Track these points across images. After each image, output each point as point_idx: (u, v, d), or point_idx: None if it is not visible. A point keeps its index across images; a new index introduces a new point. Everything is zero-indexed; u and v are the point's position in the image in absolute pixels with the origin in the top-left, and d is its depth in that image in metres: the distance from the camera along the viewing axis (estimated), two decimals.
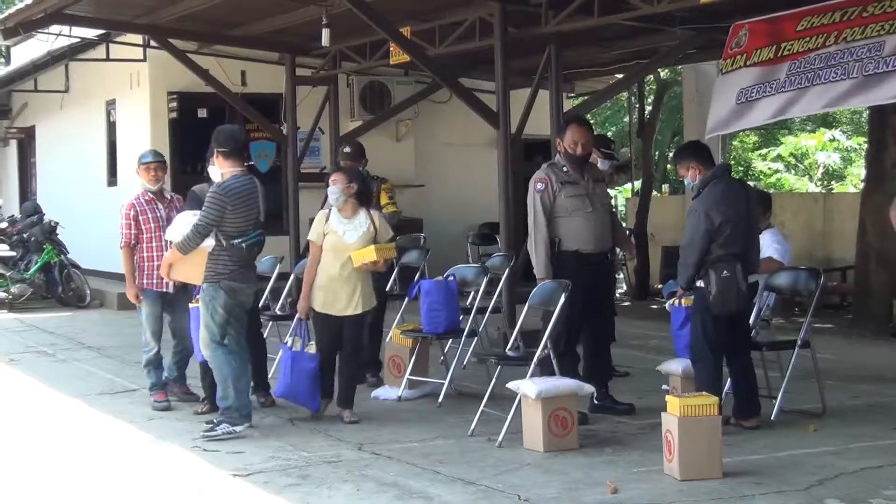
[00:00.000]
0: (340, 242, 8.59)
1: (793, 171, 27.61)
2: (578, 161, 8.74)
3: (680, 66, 19.00)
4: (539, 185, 8.62)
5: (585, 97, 19.11)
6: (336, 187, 8.67)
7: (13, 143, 25.85)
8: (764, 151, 28.56)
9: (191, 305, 8.87)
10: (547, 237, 8.53)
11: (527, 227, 8.68)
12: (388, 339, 10.03)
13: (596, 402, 8.67)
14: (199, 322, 8.39)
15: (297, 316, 8.96)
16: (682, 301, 8.74)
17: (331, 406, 8.78)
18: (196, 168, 15.66)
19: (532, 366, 7.99)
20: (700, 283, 8.03)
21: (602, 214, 8.78)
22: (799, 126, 28.38)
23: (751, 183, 20.08)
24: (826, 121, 27.61)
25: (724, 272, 7.84)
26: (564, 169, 8.72)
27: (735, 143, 28.02)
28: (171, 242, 8.44)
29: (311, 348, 8.61)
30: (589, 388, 8.04)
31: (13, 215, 20.43)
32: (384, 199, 10.35)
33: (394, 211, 10.34)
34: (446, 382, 9.34)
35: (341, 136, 16.08)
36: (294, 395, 8.69)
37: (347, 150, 10.46)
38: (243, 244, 8.17)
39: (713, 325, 8.01)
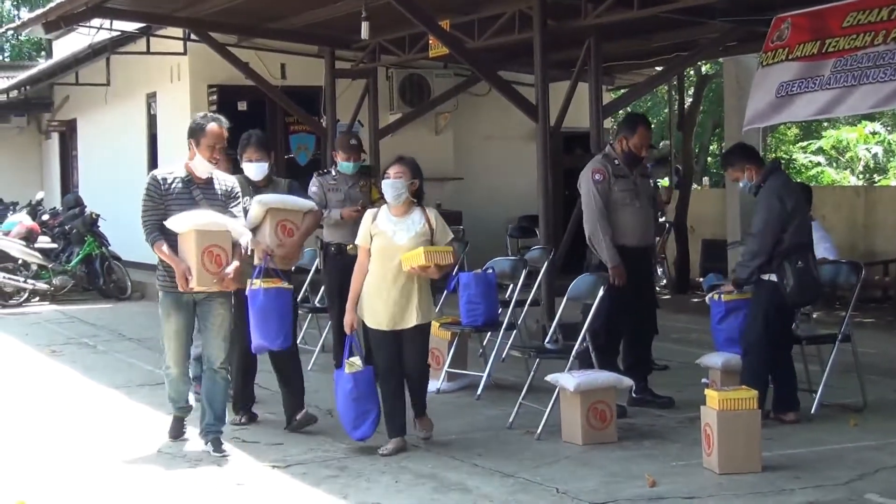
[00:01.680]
0: (390, 244, 7.45)
1: (833, 165, 27.39)
2: (636, 159, 8.76)
3: (721, 59, 18.89)
4: (597, 176, 8.64)
5: (625, 90, 19.06)
6: (400, 182, 7.52)
7: (55, 136, 26.03)
8: (804, 144, 28.33)
9: (250, 287, 7.86)
10: (609, 225, 8.54)
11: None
12: None
13: (635, 395, 8.67)
14: (259, 309, 7.84)
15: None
16: (722, 295, 8.70)
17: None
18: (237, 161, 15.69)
19: (571, 359, 7.99)
20: (768, 277, 7.97)
21: (647, 209, 8.87)
22: (840, 119, 28.12)
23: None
24: (867, 114, 27.35)
25: (799, 262, 7.83)
26: (616, 162, 8.73)
27: (775, 135, 27.79)
28: (243, 247, 7.51)
29: (351, 367, 7.54)
30: (628, 382, 8.04)
31: (55, 207, 20.59)
32: (375, 195, 9.56)
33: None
34: (485, 375, 9.35)
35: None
36: (341, 416, 7.68)
37: (354, 142, 10.27)
38: None
39: (777, 319, 7.99)
